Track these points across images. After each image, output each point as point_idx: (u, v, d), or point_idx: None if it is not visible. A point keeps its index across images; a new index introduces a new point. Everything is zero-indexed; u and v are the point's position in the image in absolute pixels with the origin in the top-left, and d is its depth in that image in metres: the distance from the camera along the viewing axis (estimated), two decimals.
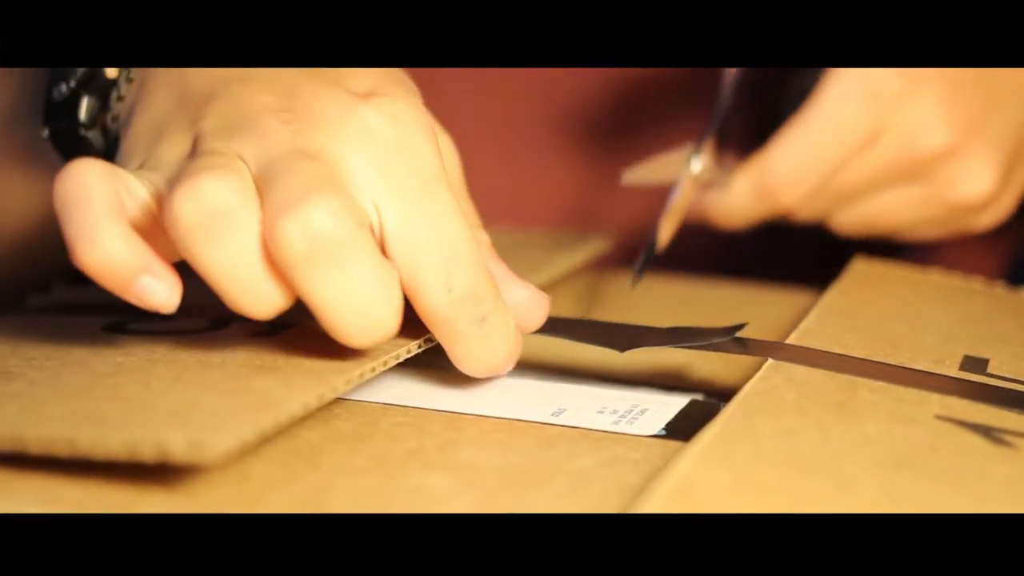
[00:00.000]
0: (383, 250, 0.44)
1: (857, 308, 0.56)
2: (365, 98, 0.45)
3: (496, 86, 0.82)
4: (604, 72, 0.82)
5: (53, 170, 0.56)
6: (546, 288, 0.50)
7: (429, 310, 0.44)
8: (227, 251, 0.42)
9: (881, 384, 0.46)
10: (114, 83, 0.51)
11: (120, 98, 0.51)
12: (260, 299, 0.43)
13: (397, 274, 0.44)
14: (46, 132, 0.53)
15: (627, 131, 0.81)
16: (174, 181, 0.43)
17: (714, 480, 0.37)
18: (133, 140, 0.48)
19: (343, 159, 0.44)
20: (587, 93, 0.83)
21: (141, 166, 0.46)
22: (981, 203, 0.62)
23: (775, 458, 0.39)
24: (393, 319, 0.44)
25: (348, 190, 0.43)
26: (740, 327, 0.50)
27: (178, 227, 0.42)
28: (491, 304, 0.45)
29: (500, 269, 0.48)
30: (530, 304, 0.48)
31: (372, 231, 0.44)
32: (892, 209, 0.62)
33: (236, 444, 0.38)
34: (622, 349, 0.50)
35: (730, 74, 0.63)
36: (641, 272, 0.56)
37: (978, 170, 0.61)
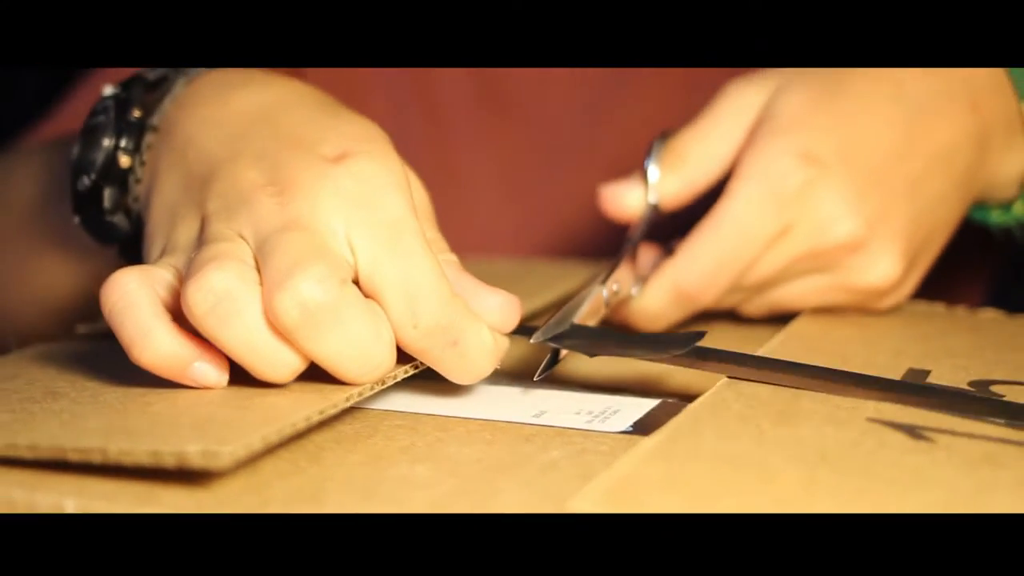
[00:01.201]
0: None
1: (820, 334, 0.62)
2: (337, 161, 0.52)
3: (497, 123, 0.88)
4: (606, 103, 0.87)
5: (85, 250, 0.64)
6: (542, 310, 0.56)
7: (403, 343, 0.51)
8: (238, 329, 0.49)
9: (823, 395, 0.51)
10: (130, 170, 0.59)
11: (138, 181, 0.59)
12: (276, 364, 0.50)
13: (383, 313, 0.51)
14: (77, 220, 0.61)
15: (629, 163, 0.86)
16: (185, 273, 0.50)
17: (651, 474, 0.43)
18: (153, 225, 0.56)
19: (323, 220, 0.51)
20: (586, 125, 0.88)
21: (163, 251, 0.54)
22: (886, 290, 0.64)
23: (710, 456, 0.45)
24: (388, 355, 0.51)
25: (331, 248, 0.50)
26: (700, 335, 0.55)
27: (194, 315, 0.49)
28: (460, 327, 0.51)
29: (469, 283, 0.54)
30: (502, 308, 0.54)
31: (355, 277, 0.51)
32: (798, 296, 0.64)
33: (245, 452, 0.44)
34: (591, 355, 0.55)
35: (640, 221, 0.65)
36: (543, 374, 0.56)
37: (883, 260, 0.63)
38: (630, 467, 0.43)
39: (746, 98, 0.64)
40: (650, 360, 0.55)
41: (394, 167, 0.52)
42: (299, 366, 0.50)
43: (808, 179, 0.61)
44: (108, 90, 0.60)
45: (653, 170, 0.64)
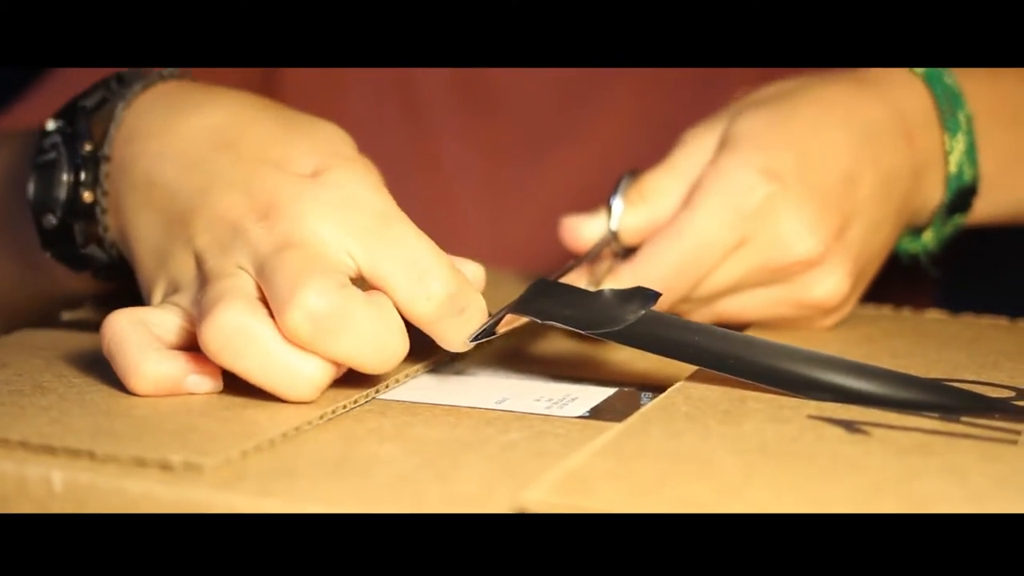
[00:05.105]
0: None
1: (767, 336, 0.65)
2: (312, 178, 0.55)
3: (477, 115, 0.91)
4: (583, 96, 0.90)
5: (52, 268, 0.64)
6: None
7: (418, 319, 0.54)
8: (254, 356, 0.53)
9: (768, 396, 0.55)
10: (94, 204, 0.61)
11: (104, 211, 0.61)
12: (296, 380, 0.53)
13: (390, 303, 0.53)
14: (48, 255, 0.63)
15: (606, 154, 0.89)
16: (197, 316, 0.54)
17: (601, 467, 0.46)
18: (145, 271, 0.59)
19: (312, 232, 0.54)
20: (564, 116, 0.91)
21: (166, 293, 0.57)
22: (833, 307, 0.66)
23: (657, 452, 0.48)
24: (401, 342, 0.53)
25: (326, 257, 0.53)
26: (656, 295, 0.57)
27: (212, 352, 0.53)
28: (466, 295, 0.55)
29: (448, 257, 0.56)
30: (477, 277, 0.58)
31: (357, 279, 0.54)
32: (747, 307, 0.66)
33: (223, 463, 0.48)
34: (542, 320, 0.57)
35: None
36: (477, 339, 0.56)
37: (834, 277, 0.65)
38: (582, 461, 0.46)
39: (704, 139, 0.67)
40: (597, 337, 0.56)
41: (367, 170, 0.56)
42: (321, 378, 0.53)
43: (769, 194, 0.64)
44: (51, 124, 0.62)
45: (618, 203, 0.67)
